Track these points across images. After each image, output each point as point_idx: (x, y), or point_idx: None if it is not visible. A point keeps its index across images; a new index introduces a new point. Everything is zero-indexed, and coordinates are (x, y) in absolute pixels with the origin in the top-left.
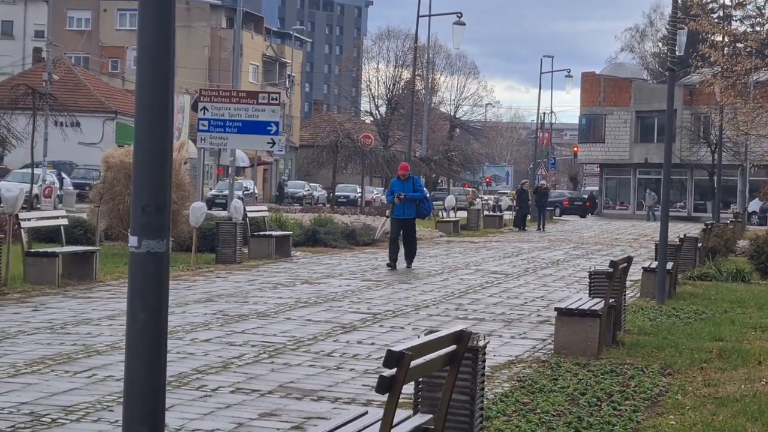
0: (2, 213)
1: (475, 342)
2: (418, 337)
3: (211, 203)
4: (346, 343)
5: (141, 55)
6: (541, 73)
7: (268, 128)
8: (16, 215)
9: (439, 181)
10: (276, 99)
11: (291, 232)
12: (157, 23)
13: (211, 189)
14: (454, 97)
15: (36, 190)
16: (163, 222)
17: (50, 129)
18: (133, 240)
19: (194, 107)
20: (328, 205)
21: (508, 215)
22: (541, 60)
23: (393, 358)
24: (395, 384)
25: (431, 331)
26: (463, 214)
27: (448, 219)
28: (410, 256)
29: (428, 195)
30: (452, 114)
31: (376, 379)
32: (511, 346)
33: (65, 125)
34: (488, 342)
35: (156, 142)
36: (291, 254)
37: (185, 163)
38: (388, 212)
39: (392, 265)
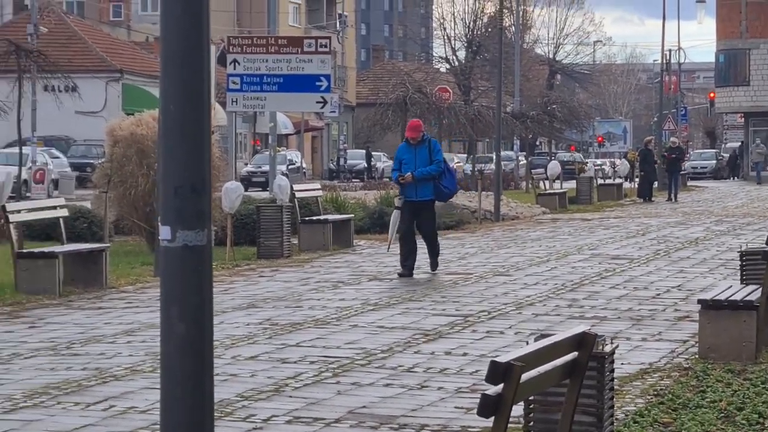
0: None
1: (601, 347)
2: (527, 343)
3: (247, 182)
4: (431, 355)
5: None
6: None
7: (317, 84)
8: (3, 207)
9: (538, 142)
10: (326, 46)
11: (352, 216)
12: None
13: (246, 164)
14: (553, 34)
15: (24, 175)
16: (202, 206)
17: (39, 95)
18: (164, 231)
19: (221, 61)
20: None
21: (628, 183)
22: None
23: (498, 372)
24: (503, 404)
25: (543, 336)
26: (570, 184)
27: (551, 191)
28: (433, 254)
29: (451, 166)
30: (551, 56)
31: (472, 400)
32: (643, 350)
33: (59, 90)
34: (617, 346)
35: (189, 102)
36: (353, 244)
37: (213, 132)
38: (397, 200)
39: (406, 272)
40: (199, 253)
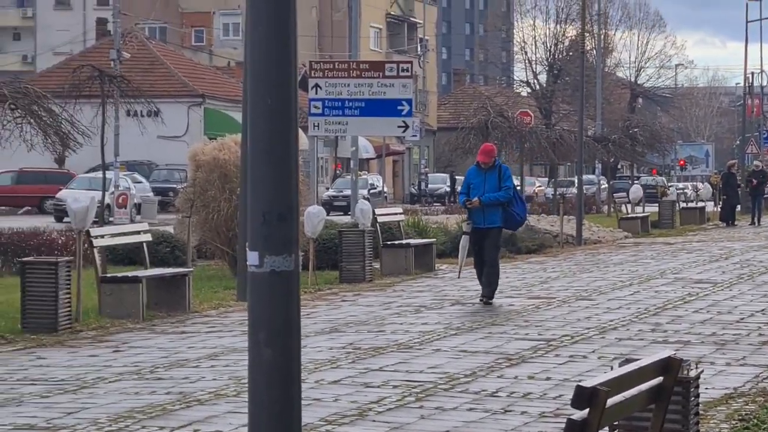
0: (69, 229)
1: (686, 372)
2: (611, 368)
3: (328, 206)
4: (514, 379)
5: (254, 14)
6: (747, 21)
7: (399, 108)
8: (88, 231)
9: (620, 166)
10: (407, 70)
11: (434, 240)
12: None
13: (327, 188)
14: (635, 58)
15: (107, 199)
16: (290, 232)
17: (122, 120)
18: (252, 257)
19: (302, 85)
20: None
21: (711, 207)
22: (747, 3)
23: (584, 396)
24: (588, 429)
25: (627, 360)
26: (652, 208)
27: (633, 215)
28: (491, 284)
29: (520, 193)
30: (632, 80)
31: (556, 424)
32: (727, 375)
33: (141, 115)
34: (702, 371)
35: (277, 126)
36: (435, 268)
37: None
38: (465, 224)
39: (486, 299)
40: (287, 279)
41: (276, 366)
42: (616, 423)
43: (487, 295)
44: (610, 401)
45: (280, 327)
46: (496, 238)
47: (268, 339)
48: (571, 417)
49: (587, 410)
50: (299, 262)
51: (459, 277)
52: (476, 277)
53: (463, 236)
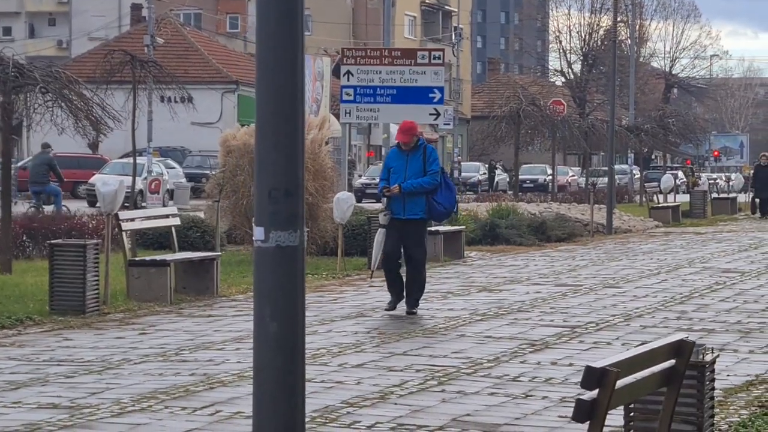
0: (100, 213)
1: (702, 356)
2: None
3: (361, 193)
4: (537, 365)
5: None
6: None
7: (431, 95)
8: (116, 215)
9: (653, 156)
10: (439, 57)
11: (464, 228)
12: None
13: (360, 176)
14: (669, 48)
15: (140, 184)
16: (295, 209)
17: (155, 106)
18: (258, 232)
19: (336, 72)
20: (510, 192)
21: (743, 198)
22: None
23: (593, 377)
24: (597, 410)
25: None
26: (683, 198)
27: (664, 204)
28: (415, 288)
29: (449, 177)
30: (667, 70)
31: None
32: (750, 363)
33: (174, 101)
34: (718, 355)
35: (283, 108)
36: (464, 255)
37: (326, 143)
38: (382, 216)
39: (392, 305)
40: (292, 254)
41: (282, 339)
42: (632, 406)
43: (410, 305)
44: (621, 382)
45: (286, 300)
46: (420, 233)
47: (273, 313)
48: (581, 397)
49: (597, 391)
50: (304, 238)
51: (371, 278)
52: (386, 284)
53: (379, 230)
